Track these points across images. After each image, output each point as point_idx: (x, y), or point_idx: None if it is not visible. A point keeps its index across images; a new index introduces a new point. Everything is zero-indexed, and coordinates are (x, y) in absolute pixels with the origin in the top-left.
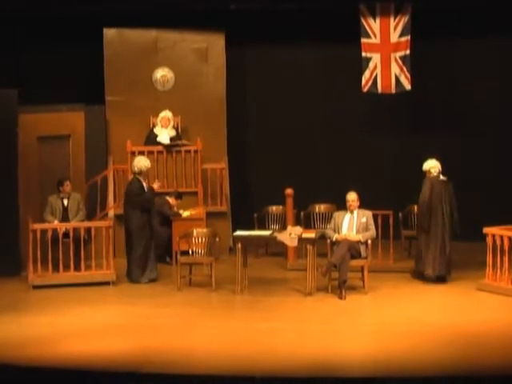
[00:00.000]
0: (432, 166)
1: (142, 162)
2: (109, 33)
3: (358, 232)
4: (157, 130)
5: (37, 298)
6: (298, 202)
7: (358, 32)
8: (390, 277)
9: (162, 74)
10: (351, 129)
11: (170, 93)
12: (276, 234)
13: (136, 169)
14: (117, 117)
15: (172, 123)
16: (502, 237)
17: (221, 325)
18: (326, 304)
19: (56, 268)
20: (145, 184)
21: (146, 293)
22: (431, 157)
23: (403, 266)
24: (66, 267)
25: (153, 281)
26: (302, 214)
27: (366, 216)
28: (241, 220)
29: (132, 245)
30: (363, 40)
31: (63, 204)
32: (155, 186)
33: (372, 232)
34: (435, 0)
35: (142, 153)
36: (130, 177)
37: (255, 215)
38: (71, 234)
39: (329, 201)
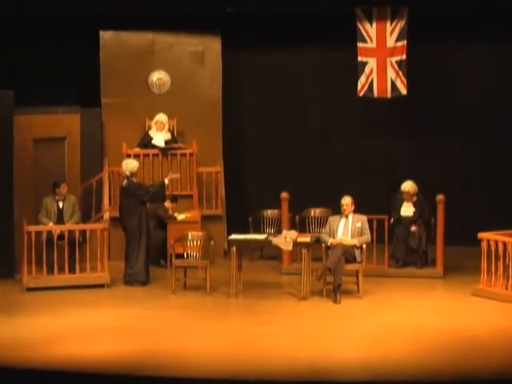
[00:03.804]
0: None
1: (131, 164)
2: (105, 35)
3: (352, 236)
4: (152, 133)
5: (31, 300)
6: (293, 206)
7: (355, 36)
8: (384, 281)
9: (158, 76)
10: (347, 133)
11: (166, 96)
12: (271, 238)
13: (128, 172)
14: (112, 119)
15: (167, 126)
16: (496, 242)
17: (215, 328)
18: (321, 308)
19: (50, 270)
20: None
21: (140, 296)
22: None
23: (397, 270)
24: (61, 269)
25: (147, 283)
26: (297, 218)
27: (360, 220)
28: (236, 223)
29: (131, 246)
30: (359, 44)
31: (58, 206)
32: (169, 177)
33: (367, 236)
34: (431, 5)
35: (137, 156)
36: (124, 181)
37: (250, 219)
38: (66, 236)
39: (324, 205)
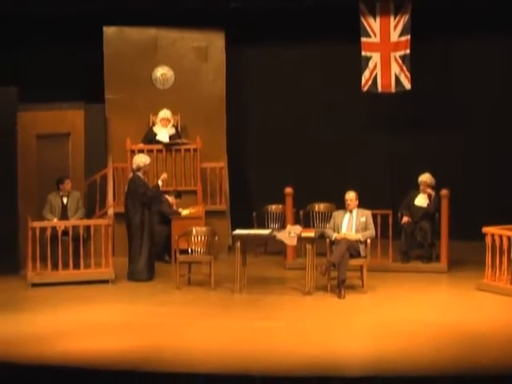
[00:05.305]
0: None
1: (139, 159)
2: (109, 31)
3: (357, 231)
4: (156, 129)
5: (35, 296)
6: (297, 201)
7: (358, 31)
8: (388, 276)
9: (162, 72)
10: (351, 128)
11: (170, 91)
12: (275, 233)
13: (134, 165)
14: (116, 115)
15: (172, 122)
16: (501, 236)
17: (219, 324)
18: (325, 303)
19: (55, 266)
20: (146, 181)
21: (144, 291)
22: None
23: (402, 265)
24: (65, 265)
25: (150, 279)
26: (301, 213)
27: (365, 215)
28: (240, 219)
29: (134, 243)
30: (363, 39)
31: (63, 202)
32: (162, 177)
33: (371, 231)
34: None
35: (141, 151)
36: (130, 175)
37: (254, 214)
38: (70, 232)
39: (328, 200)
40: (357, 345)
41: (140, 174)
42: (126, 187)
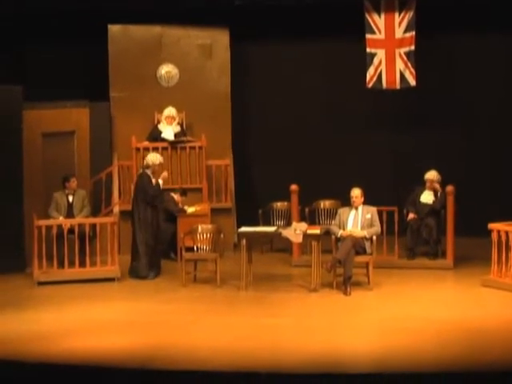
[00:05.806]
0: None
1: (151, 157)
2: (113, 29)
3: (362, 228)
4: (161, 127)
5: (41, 294)
6: (302, 198)
7: (363, 28)
8: (394, 273)
9: (167, 70)
10: (356, 125)
11: (175, 89)
12: (281, 230)
13: (144, 162)
14: (121, 113)
15: (177, 120)
16: (507, 233)
17: (225, 321)
18: (331, 300)
19: (61, 264)
20: (153, 180)
21: (150, 289)
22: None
23: (408, 262)
24: (71, 263)
25: (155, 277)
26: (306, 210)
27: (370, 212)
28: (245, 216)
29: (136, 240)
30: (368, 36)
31: (68, 200)
32: (162, 175)
33: (377, 228)
34: None
35: (146, 149)
36: (140, 170)
37: (260, 211)
38: (76, 231)
39: (333, 197)
40: (362, 342)
41: (149, 172)
42: (134, 183)
